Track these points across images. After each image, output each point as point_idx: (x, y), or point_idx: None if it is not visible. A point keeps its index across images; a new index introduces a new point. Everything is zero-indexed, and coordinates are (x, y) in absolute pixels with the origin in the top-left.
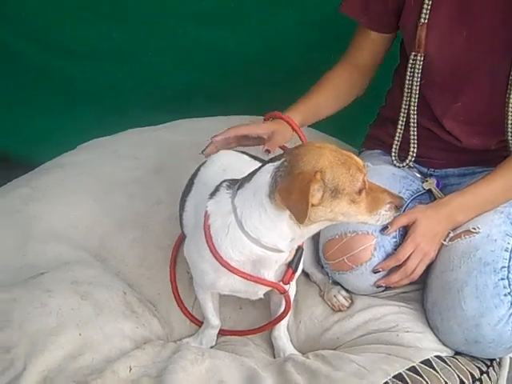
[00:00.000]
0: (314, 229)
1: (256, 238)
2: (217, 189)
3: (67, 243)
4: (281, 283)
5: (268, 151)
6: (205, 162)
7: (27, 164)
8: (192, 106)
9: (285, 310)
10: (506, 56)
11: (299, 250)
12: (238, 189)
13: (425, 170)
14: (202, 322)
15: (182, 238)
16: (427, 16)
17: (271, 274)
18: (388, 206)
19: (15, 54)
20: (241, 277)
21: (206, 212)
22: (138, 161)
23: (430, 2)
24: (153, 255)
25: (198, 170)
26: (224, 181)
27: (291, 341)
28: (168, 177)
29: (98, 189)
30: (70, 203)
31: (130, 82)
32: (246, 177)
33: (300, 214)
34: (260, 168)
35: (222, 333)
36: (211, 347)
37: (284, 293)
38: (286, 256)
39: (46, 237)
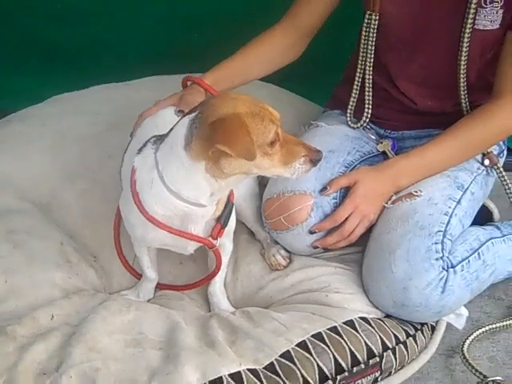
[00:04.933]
0: (231, 182)
1: (177, 192)
2: (144, 144)
3: (14, 193)
4: (210, 238)
5: (181, 111)
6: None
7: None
8: (167, 64)
9: (216, 266)
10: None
11: (228, 204)
12: (160, 143)
13: (381, 131)
14: (141, 275)
15: None
16: None
17: (199, 228)
18: (303, 159)
19: None
20: (166, 231)
21: (133, 167)
22: (97, 116)
23: None
24: (99, 208)
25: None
26: (152, 136)
27: (228, 298)
28: (124, 133)
29: (53, 142)
30: (24, 154)
31: (108, 40)
32: (167, 132)
33: (248, 153)
34: (178, 122)
35: (159, 287)
36: (148, 300)
37: (212, 247)
38: (213, 211)
39: None
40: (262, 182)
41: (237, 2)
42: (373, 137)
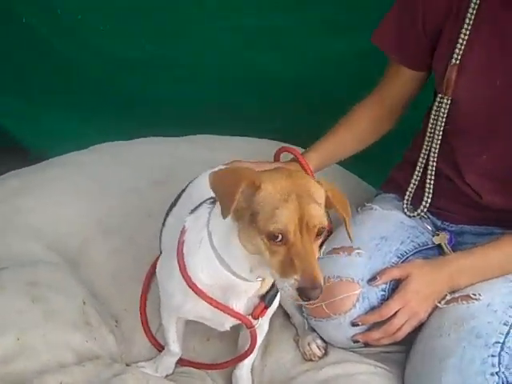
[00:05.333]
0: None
1: (222, 257)
2: (200, 204)
3: (42, 242)
4: (250, 317)
5: None
6: (195, 178)
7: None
8: (217, 123)
9: (249, 348)
10: None
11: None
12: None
13: (438, 222)
14: (163, 348)
15: None
16: (459, 57)
17: (240, 304)
18: (293, 281)
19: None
20: (207, 302)
21: (184, 227)
22: (141, 170)
23: (464, 42)
24: (129, 269)
25: (187, 185)
26: (210, 198)
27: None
28: (167, 191)
29: (91, 192)
30: (59, 202)
31: (161, 93)
32: None
33: (225, 206)
34: None
35: (181, 363)
36: (166, 376)
37: (251, 328)
38: (257, 287)
39: (23, 232)
40: None
41: (301, 70)
42: (429, 227)
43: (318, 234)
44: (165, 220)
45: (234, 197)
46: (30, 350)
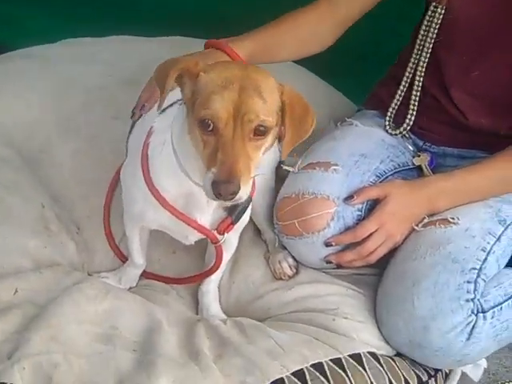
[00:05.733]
0: None
1: (179, 158)
2: (171, 104)
3: (2, 138)
4: (215, 232)
5: None
6: None
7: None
8: (196, 26)
9: (215, 264)
10: None
11: None
12: None
13: (420, 143)
14: (127, 259)
15: None
16: None
17: (205, 218)
18: (210, 174)
19: None
20: (168, 210)
21: (151, 128)
22: (112, 68)
23: None
24: (92, 173)
25: None
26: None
27: (220, 301)
28: (137, 93)
29: (56, 88)
30: (20, 97)
31: None
32: None
33: (160, 92)
34: None
35: (145, 275)
36: (130, 288)
37: (216, 243)
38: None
39: None
40: (281, 177)
41: None
42: (410, 147)
43: (258, 134)
44: (133, 124)
45: (165, 80)
46: None
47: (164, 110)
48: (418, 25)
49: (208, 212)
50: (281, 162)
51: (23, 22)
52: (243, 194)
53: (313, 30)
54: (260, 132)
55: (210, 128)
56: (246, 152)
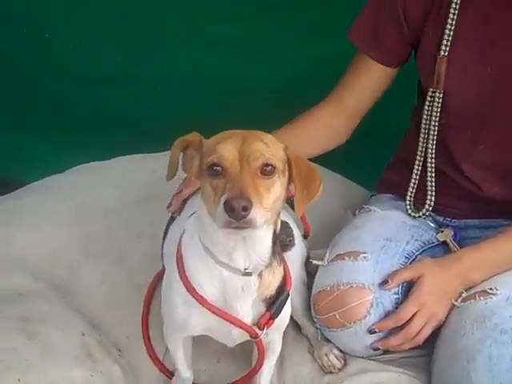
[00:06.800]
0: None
1: (203, 242)
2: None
3: (28, 273)
4: (255, 327)
5: None
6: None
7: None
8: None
9: (257, 363)
10: None
11: (282, 292)
12: None
13: (440, 219)
14: (173, 374)
15: (161, 275)
16: (447, 48)
17: (245, 309)
18: (222, 198)
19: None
20: (207, 308)
21: (184, 230)
22: (125, 187)
23: (451, 33)
24: (124, 293)
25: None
26: None
27: None
28: (154, 208)
29: (75, 216)
30: (41, 228)
31: (133, 108)
32: None
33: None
34: None
35: None
36: None
37: (255, 338)
38: (254, 284)
39: (6, 264)
40: (311, 272)
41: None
42: (432, 224)
43: (265, 174)
44: (166, 232)
45: (174, 158)
46: None
47: (194, 213)
48: (415, 109)
49: (246, 301)
50: (309, 257)
51: (26, 153)
52: (257, 216)
53: (328, 128)
54: (267, 172)
55: (219, 172)
56: (256, 185)
